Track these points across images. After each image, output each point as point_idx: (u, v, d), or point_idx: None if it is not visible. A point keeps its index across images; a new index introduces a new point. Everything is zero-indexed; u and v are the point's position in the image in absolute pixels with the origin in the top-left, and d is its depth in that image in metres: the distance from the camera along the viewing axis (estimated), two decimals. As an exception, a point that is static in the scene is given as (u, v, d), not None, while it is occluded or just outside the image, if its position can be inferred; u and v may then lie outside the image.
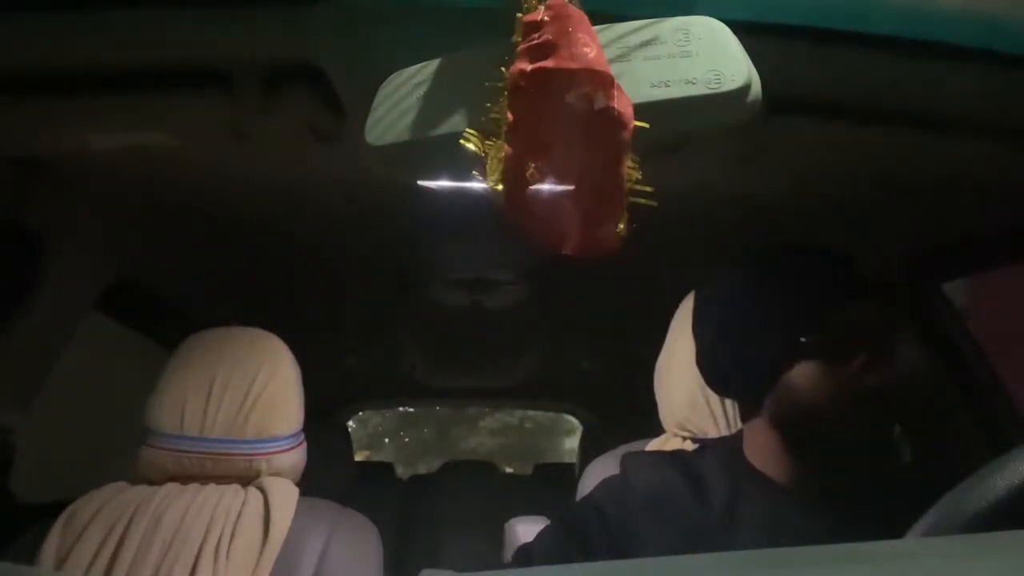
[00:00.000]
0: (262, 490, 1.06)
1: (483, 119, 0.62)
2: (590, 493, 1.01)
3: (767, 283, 0.92)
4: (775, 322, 0.89)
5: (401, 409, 9.79)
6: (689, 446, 1.21)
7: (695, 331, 1.02)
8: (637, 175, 0.61)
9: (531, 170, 0.61)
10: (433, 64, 0.67)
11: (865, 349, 0.85)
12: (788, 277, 0.91)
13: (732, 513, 0.89)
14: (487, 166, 0.61)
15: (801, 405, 0.89)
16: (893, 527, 0.54)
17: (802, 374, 0.88)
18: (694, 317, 1.03)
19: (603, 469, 1.31)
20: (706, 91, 0.59)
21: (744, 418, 0.97)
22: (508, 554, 1.49)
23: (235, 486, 1.07)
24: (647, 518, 0.89)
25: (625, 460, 1.00)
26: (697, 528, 0.87)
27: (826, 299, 0.87)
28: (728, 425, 1.15)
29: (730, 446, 0.99)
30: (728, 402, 1.16)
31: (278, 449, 1.09)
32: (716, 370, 0.98)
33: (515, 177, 0.61)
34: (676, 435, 1.28)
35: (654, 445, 1.29)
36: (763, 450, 0.94)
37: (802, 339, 0.87)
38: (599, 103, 0.58)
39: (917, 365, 0.89)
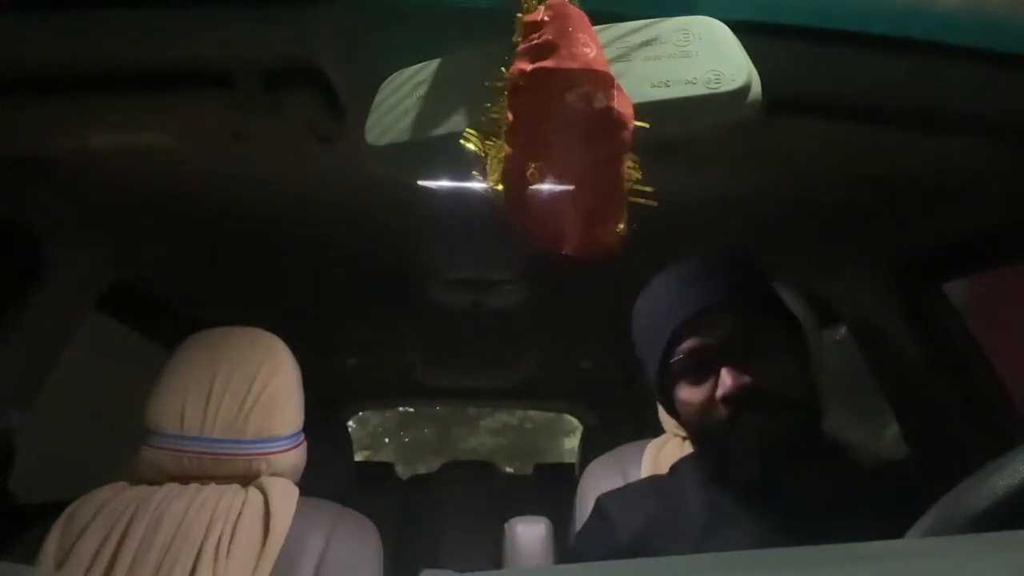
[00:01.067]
0: (262, 490, 1.06)
1: (483, 119, 0.62)
2: (574, 547, 1.04)
3: (648, 302, 0.97)
4: (654, 346, 0.94)
5: (401, 409, 9.80)
6: (689, 446, 1.21)
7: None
8: (637, 175, 0.61)
9: (531, 170, 0.61)
10: (433, 64, 0.67)
11: (733, 361, 0.87)
12: (659, 296, 0.96)
13: (711, 525, 0.90)
14: (487, 166, 0.62)
15: (687, 424, 0.94)
16: (876, 521, 0.55)
17: (683, 391, 0.92)
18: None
19: (603, 469, 1.31)
20: (706, 91, 0.59)
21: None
22: (508, 554, 1.49)
23: (235, 486, 1.07)
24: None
25: (601, 503, 1.01)
26: (684, 548, 0.88)
27: (687, 316, 0.90)
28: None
29: (699, 459, 1.01)
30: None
31: (278, 449, 1.09)
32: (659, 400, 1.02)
33: (515, 177, 0.61)
34: (676, 435, 1.29)
35: (654, 445, 1.29)
36: None
37: (671, 360, 0.91)
38: (599, 103, 0.58)
39: (787, 366, 0.90)
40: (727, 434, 0.87)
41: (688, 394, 0.91)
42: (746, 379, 0.85)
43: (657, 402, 1.27)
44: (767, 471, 0.86)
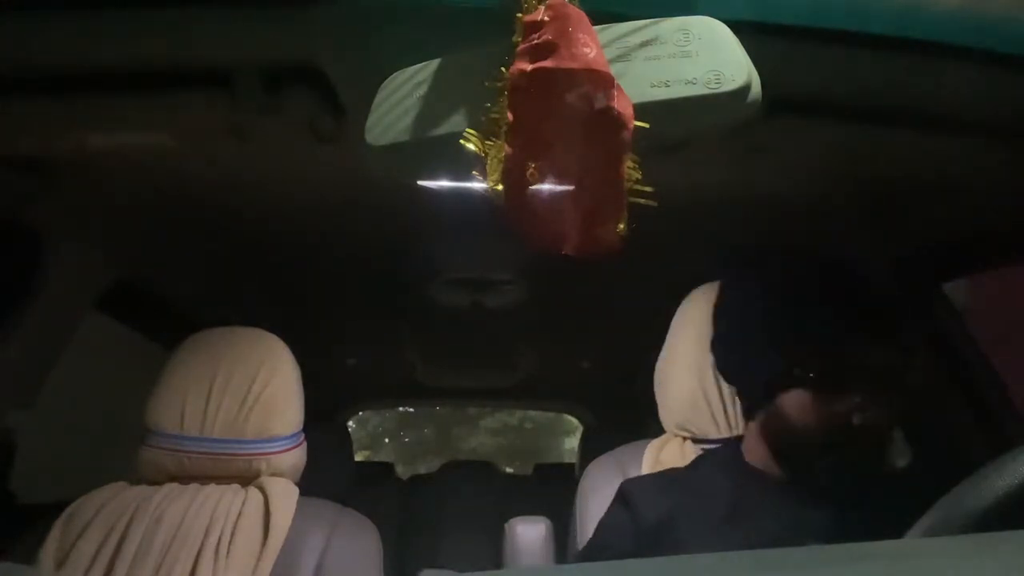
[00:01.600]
0: (262, 490, 1.06)
1: (483, 119, 0.62)
2: (596, 534, 1.02)
3: (784, 300, 0.92)
4: (776, 345, 0.90)
5: (401, 409, 9.79)
6: (689, 446, 1.21)
7: (716, 313, 1.03)
8: (637, 175, 0.61)
9: (531, 170, 0.61)
10: (433, 64, 0.67)
11: (857, 393, 0.85)
12: (801, 302, 0.90)
13: (736, 513, 0.90)
14: (487, 166, 0.62)
15: (785, 429, 0.91)
16: (888, 518, 0.54)
17: (792, 401, 0.89)
18: (719, 299, 1.04)
19: (603, 469, 1.31)
20: (706, 91, 0.59)
21: (744, 416, 1.00)
22: (508, 554, 1.49)
23: (235, 486, 1.07)
24: (661, 549, 0.90)
25: (625, 490, 1.01)
26: (709, 541, 0.88)
27: (828, 337, 0.87)
28: (728, 425, 1.15)
29: (729, 450, 1.01)
30: (728, 402, 1.16)
31: (278, 449, 1.09)
32: (723, 361, 1.00)
33: (515, 177, 0.61)
34: (676, 435, 1.28)
35: (654, 445, 1.29)
36: (758, 451, 0.96)
37: (796, 370, 0.88)
38: (599, 103, 0.58)
39: (913, 410, 0.88)
40: (826, 450, 0.86)
41: (813, 401, 0.87)
42: (881, 415, 0.84)
43: (657, 400, 1.27)
44: (826, 488, 0.86)
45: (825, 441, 0.86)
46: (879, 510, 0.77)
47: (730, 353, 0.99)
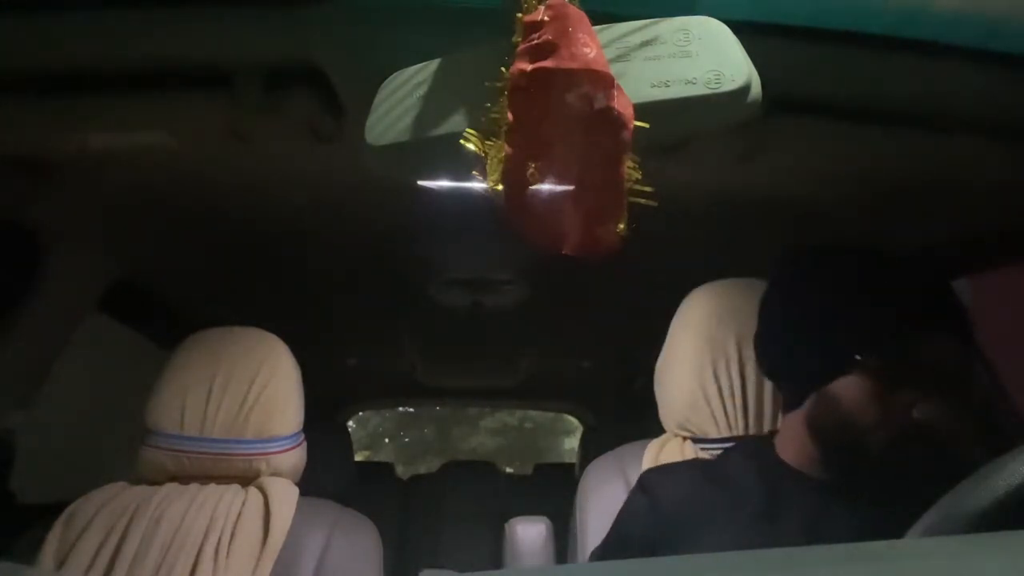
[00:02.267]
0: (262, 490, 1.06)
1: (483, 119, 0.62)
2: (615, 526, 1.00)
3: (841, 289, 0.89)
4: (836, 332, 0.87)
5: (401, 409, 9.78)
6: (689, 446, 1.21)
7: (762, 309, 0.99)
8: (637, 175, 0.61)
9: (531, 170, 0.61)
10: (433, 64, 0.67)
11: (918, 385, 0.82)
12: (862, 289, 0.88)
13: (770, 511, 0.88)
14: (487, 166, 0.61)
15: (839, 417, 0.87)
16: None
17: (847, 389, 0.86)
18: (766, 296, 1.00)
19: (603, 469, 1.31)
20: (706, 91, 0.59)
21: (784, 410, 0.97)
22: (508, 554, 1.49)
23: (235, 486, 1.07)
24: (684, 535, 0.89)
25: (644, 478, 0.99)
26: (736, 532, 0.87)
27: (892, 324, 0.85)
28: (728, 425, 1.15)
29: (758, 445, 0.98)
30: (729, 402, 1.16)
31: (278, 449, 1.09)
32: (769, 357, 0.97)
33: (515, 177, 0.61)
34: (676, 435, 1.28)
35: (654, 445, 1.29)
36: (796, 446, 0.93)
37: (857, 357, 0.85)
38: (599, 103, 0.58)
39: (970, 413, 0.84)
40: (878, 444, 0.83)
41: (873, 389, 0.84)
42: (944, 418, 0.81)
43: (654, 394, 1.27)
44: (873, 488, 0.83)
45: (879, 434, 0.82)
46: (914, 510, 0.76)
47: (776, 344, 0.95)
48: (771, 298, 0.99)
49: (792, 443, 0.94)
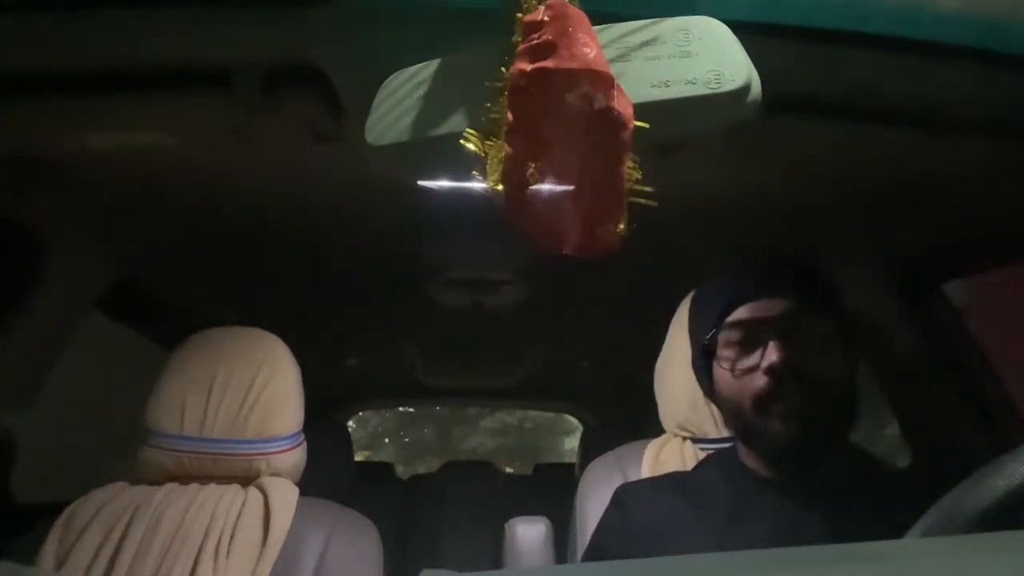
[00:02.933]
0: (262, 490, 1.06)
1: (483, 119, 0.62)
2: (592, 538, 1.03)
3: (701, 292, 1.01)
4: (695, 327, 0.97)
5: (401, 409, 9.78)
6: (689, 446, 1.21)
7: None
8: (637, 175, 0.61)
9: (531, 170, 0.61)
10: (433, 64, 0.67)
11: (758, 344, 0.88)
12: (725, 275, 0.97)
13: (737, 517, 0.90)
14: (487, 166, 0.61)
15: (728, 407, 0.93)
16: (886, 517, 0.54)
17: (719, 380, 0.92)
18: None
19: (603, 469, 1.31)
20: (706, 91, 0.59)
21: None
22: (508, 554, 1.49)
23: (235, 486, 1.07)
24: (654, 549, 0.90)
25: (619, 494, 1.02)
26: (703, 544, 0.88)
27: (715, 306, 0.93)
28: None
29: (730, 451, 1.01)
30: (728, 402, 1.16)
31: (278, 449, 1.09)
32: (697, 375, 1.02)
33: (515, 177, 0.61)
34: (676, 435, 1.28)
35: (654, 445, 1.29)
36: (743, 449, 0.97)
37: (706, 339, 0.93)
38: (599, 103, 0.58)
39: (834, 354, 0.90)
40: (760, 407, 0.88)
41: (730, 363, 0.91)
42: (793, 356, 0.86)
43: (656, 396, 1.28)
44: (790, 453, 0.87)
45: (756, 401, 0.88)
46: (877, 509, 0.77)
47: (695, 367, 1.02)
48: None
49: (743, 448, 0.97)
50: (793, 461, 0.89)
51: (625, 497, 1.00)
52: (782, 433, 0.86)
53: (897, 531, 0.50)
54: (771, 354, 0.86)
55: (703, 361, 0.96)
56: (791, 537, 0.84)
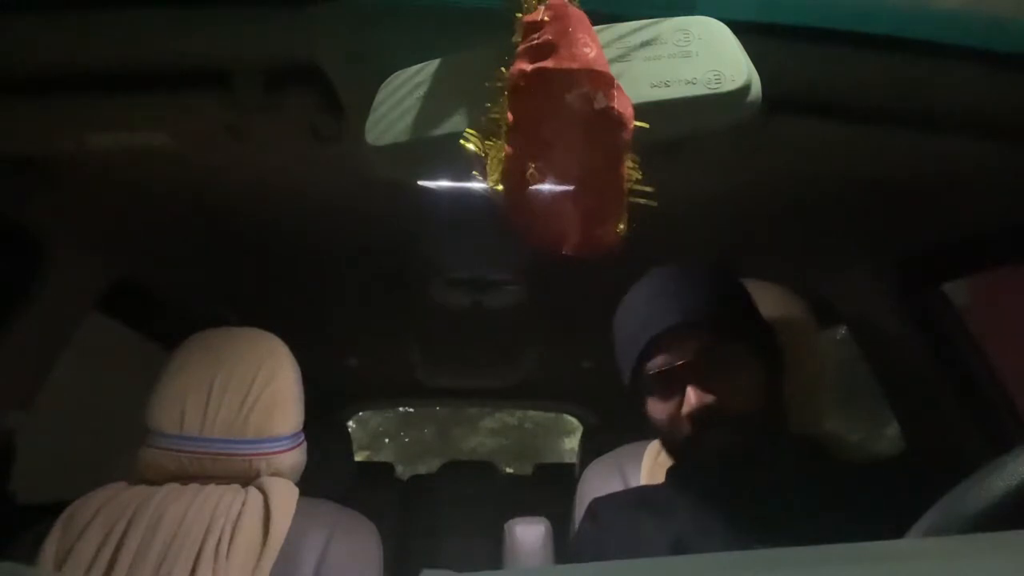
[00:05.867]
0: (262, 490, 1.06)
1: (483, 119, 0.62)
2: (570, 550, 1.04)
3: (623, 316, 1.00)
4: (619, 354, 0.98)
5: (401, 409, 9.79)
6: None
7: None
8: (637, 175, 0.61)
9: (531, 170, 0.61)
10: (433, 64, 0.67)
11: (678, 390, 0.89)
12: (633, 310, 0.98)
13: (694, 529, 0.91)
14: (487, 166, 0.61)
15: (661, 435, 0.95)
16: (866, 516, 0.54)
17: (648, 407, 0.95)
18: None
19: (603, 470, 1.31)
20: (706, 91, 0.59)
21: None
22: (508, 554, 1.49)
23: (235, 486, 1.07)
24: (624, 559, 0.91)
25: (592, 507, 1.03)
26: (666, 554, 0.89)
27: (634, 351, 0.93)
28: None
29: (688, 466, 1.01)
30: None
31: (278, 449, 1.09)
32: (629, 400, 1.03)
33: (515, 177, 0.61)
34: (676, 435, 1.28)
35: (654, 445, 1.29)
36: None
37: (641, 375, 0.93)
38: (599, 103, 0.58)
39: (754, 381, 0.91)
40: (690, 449, 0.91)
41: (656, 408, 0.93)
42: (710, 398, 0.88)
43: None
44: (729, 483, 0.90)
45: (686, 439, 0.90)
46: (849, 514, 0.77)
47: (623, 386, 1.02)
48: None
49: None
50: (734, 480, 0.90)
51: (597, 510, 1.02)
52: (717, 462, 0.89)
53: (847, 520, 0.51)
54: (690, 399, 0.88)
55: (634, 396, 0.98)
56: (749, 541, 0.85)
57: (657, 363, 0.91)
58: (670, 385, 0.91)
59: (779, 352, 0.96)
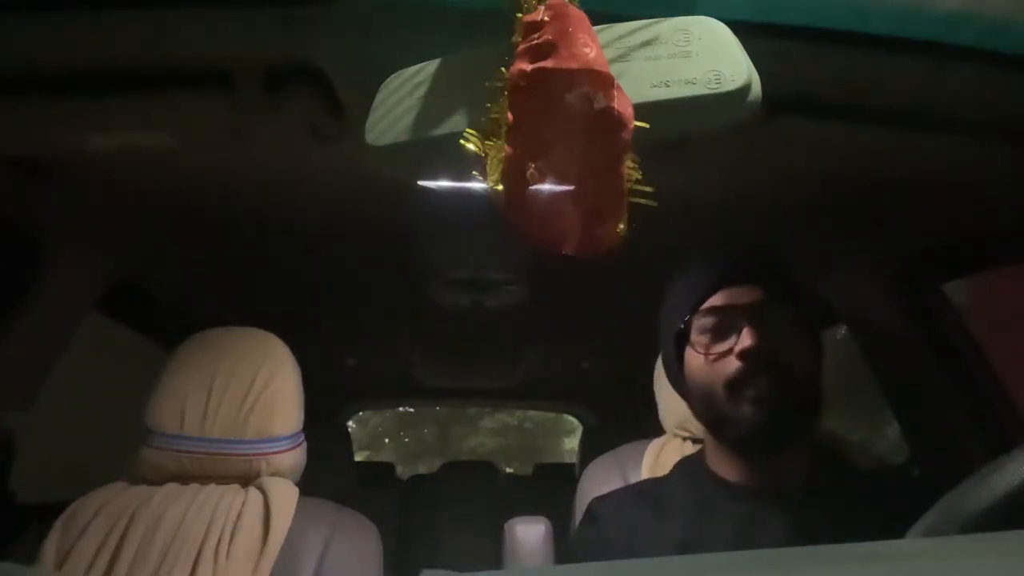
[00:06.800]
0: (262, 490, 1.06)
1: (483, 119, 0.62)
2: (567, 551, 1.03)
3: (676, 282, 1.00)
4: (667, 315, 0.98)
5: (401, 409, 9.80)
6: (689, 446, 1.21)
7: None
8: (637, 175, 0.61)
9: (531, 170, 0.61)
10: (433, 64, 0.67)
11: (731, 330, 0.89)
12: (697, 265, 0.98)
13: (698, 526, 0.90)
14: (487, 166, 0.61)
15: (699, 392, 0.93)
16: (868, 518, 0.54)
17: (690, 366, 0.93)
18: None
19: (603, 469, 1.31)
20: (706, 91, 0.59)
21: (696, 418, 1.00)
22: (508, 554, 1.49)
23: (235, 486, 1.07)
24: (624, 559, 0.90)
25: (592, 508, 1.02)
26: (667, 552, 0.88)
27: (690, 294, 0.94)
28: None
29: (695, 461, 1.01)
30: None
31: (278, 449, 1.09)
32: (665, 364, 1.03)
33: (515, 177, 0.61)
34: (676, 435, 1.29)
35: (654, 445, 1.29)
36: (712, 454, 0.96)
37: (680, 326, 0.94)
38: (599, 103, 0.58)
39: (802, 347, 0.92)
40: (732, 391, 0.88)
41: (697, 361, 0.92)
42: (765, 343, 0.87)
43: (655, 393, 1.27)
44: (757, 440, 0.88)
45: (728, 385, 0.88)
46: (838, 511, 0.77)
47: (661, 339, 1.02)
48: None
49: (710, 453, 0.97)
50: (759, 450, 0.90)
51: (597, 510, 1.01)
52: (752, 419, 0.87)
53: (858, 533, 0.51)
54: (745, 339, 0.87)
55: (673, 349, 0.96)
56: (751, 541, 0.85)
57: (719, 300, 0.91)
58: (726, 325, 0.90)
59: (821, 340, 0.96)
